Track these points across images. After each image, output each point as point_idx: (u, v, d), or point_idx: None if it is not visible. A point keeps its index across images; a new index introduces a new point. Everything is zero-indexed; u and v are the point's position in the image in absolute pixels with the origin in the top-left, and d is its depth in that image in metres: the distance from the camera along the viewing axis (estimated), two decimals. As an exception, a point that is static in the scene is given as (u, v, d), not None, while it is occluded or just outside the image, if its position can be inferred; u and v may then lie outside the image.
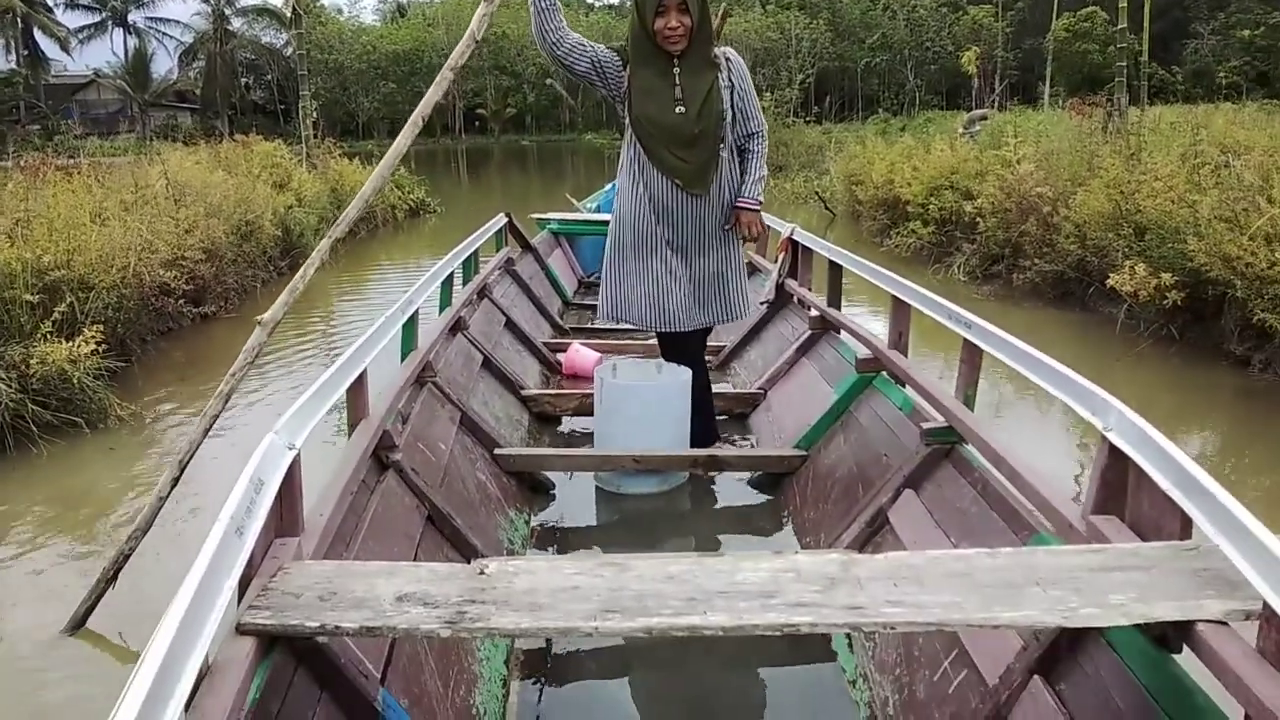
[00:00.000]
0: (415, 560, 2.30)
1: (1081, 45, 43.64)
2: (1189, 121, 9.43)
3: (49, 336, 4.47)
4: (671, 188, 3.14)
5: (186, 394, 5.22)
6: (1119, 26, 12.77)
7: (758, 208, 3.21)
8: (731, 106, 3.11)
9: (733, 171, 3.19)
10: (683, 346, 3.46)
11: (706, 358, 3.75)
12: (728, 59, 3.12)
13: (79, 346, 4.40)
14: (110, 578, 2.46)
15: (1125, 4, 12.10)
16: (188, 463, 2.43)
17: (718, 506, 3.46)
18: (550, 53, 3.06)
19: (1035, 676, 1.75)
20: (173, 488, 2.43)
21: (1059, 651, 1.73)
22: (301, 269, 2.53)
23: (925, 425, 2.66)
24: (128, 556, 2.44)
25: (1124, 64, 11.86)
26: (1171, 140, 7.86)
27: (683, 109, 3.04)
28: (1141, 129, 9.00)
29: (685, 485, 3.51)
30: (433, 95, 2.66)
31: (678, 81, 3.03)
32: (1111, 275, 5.94)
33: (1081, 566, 1.60)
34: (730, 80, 3.11)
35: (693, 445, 3.45)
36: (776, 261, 4.95)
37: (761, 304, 4.88)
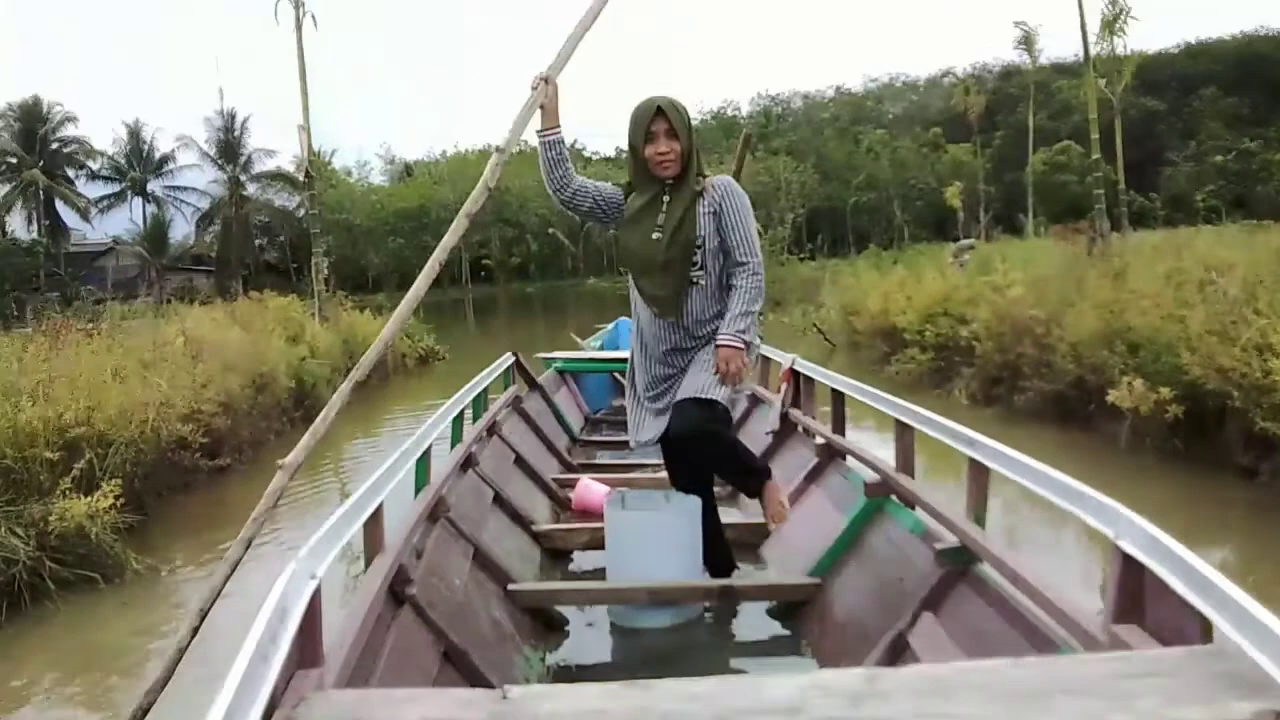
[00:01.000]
0: None
1: (1059, 177, 45.42)
2: (1171, 244, 9.75)
3: (68, 493, 4.52)
4: (650, 315, 3.15)
5: (201, 547, 5.21)
6: (1093, 158, 13.40)
7: (738, 345, 3.00)
8: (718, 233, 3.02)
9: (714, 302, 3.09)
10: (686, 464, 3.40)
11: (715, 489, 3.62)
12: (716, 186, 3.04)
13: (97, 502, 4.45)
14: None
15: (1097, 136, 12.73)
16: (208, 610, 2.43)
17: (735, 638, 3.41)
18: (559, 199, 3.17)
19: None
20: (192, 637, 2.41)
21: None
22: (323, 412, 2.60)
23: (938, 546, 2.67)
24: (146, 710, 2.40)
25: (1101, 192, 12.36)
26: (1155, 262, 8.11)
27: (659, 235, 3.01)
28: (1125, 252, 9.31)
29: (701, 617, 3.47)
30: (450, 240, 2.79)
31: (663, 209, 3.02)
32: (1111, 392, 6.03)
33: (1106, 674, 1.60)
34: (718, 207, 3.02)
35: (709, 573, 3.42)
36: (779, 392, 5.04)
37: (767, 434, 4.94)
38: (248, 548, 2.48)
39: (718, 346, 3.01)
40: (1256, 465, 5.19)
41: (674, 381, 3.18)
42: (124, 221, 49.84)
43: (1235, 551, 4.59)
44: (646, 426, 3.29)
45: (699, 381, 3.07)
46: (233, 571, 2.49)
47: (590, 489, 4.83)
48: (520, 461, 4.98)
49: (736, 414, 3.53)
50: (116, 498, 4.58)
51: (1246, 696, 1.46)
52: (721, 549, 3.54)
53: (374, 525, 2.49)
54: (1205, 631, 1.64)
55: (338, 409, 2.61)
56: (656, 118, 2.97)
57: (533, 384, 6.61)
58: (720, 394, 3.05)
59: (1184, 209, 36.04)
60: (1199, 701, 1.48)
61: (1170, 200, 45.03)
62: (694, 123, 3.08)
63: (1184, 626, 1.68)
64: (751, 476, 3.38)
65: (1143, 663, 1.63)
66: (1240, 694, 1.48)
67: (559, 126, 3.08)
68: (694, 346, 3.13)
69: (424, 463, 3.30)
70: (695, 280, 3.05)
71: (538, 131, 3.06)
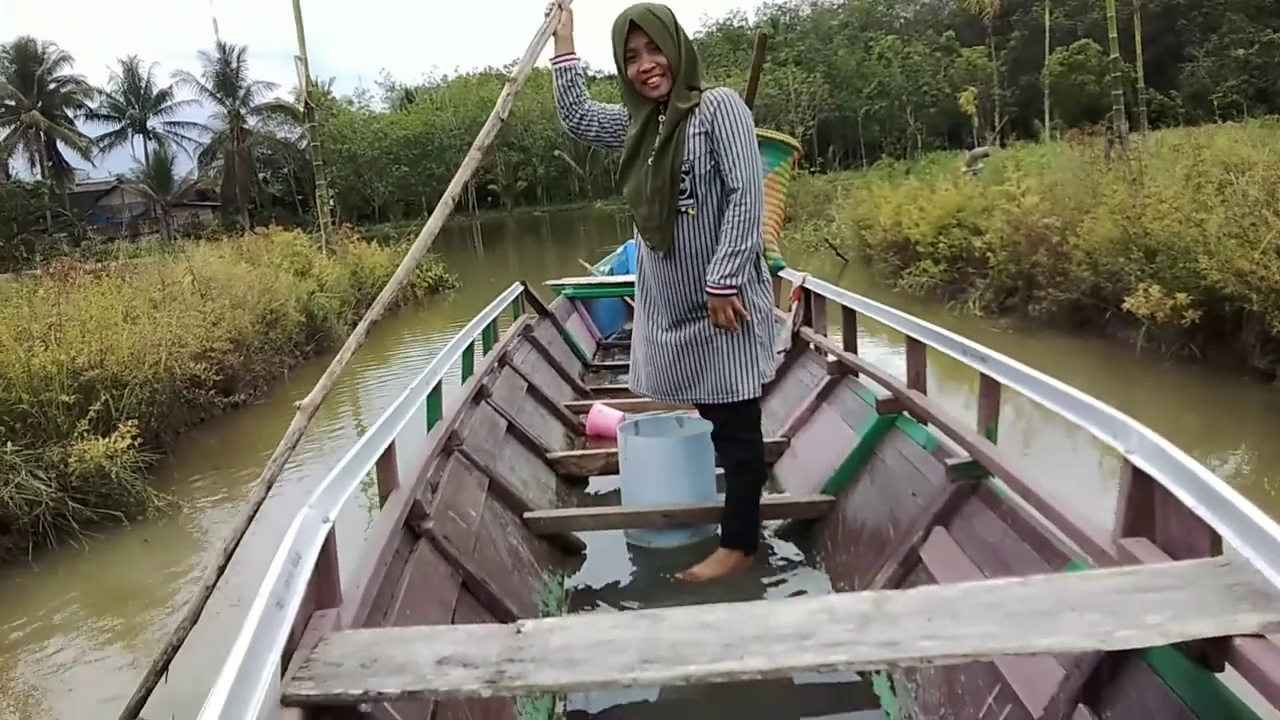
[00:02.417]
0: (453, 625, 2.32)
1: (1077, 77, 44.10)
2: (1191, 143, 9.50)
3: (85, 435, 4.58)
4: (648, 250, 2.84)
5: (221, 482, 5.30)
6: (1111, 56, 12.97)
7: (724, 292, 2.65)
8: (710, 155, 2.66)
9: (709, 236, 2.73)
10: (714, 420, 3.04)
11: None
12: (709, 101, 2.65)
13: (115, 442, 4.51)
14: (160, 669, 2.49)
15: (1115, 35, 12.30)
16: (234, 551, 2.46)
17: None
18: (567, 125, 2.98)
19: (1080, 705, 1.74)
20: (219, 576, 2.45)
21: (1101, 678, 1.72)
22: (339, 354, 2.58)
23: (950, 462, 2.67)
24: (176, 648, 2.46)
25: (1120, 92, 11.99)
26: (1174, 163, 7.91)
27: (651, 160, 2.71)
28: (1143, 153, 9.07)
29: (715, 536, 3.51)
30: (462, 175, 2.73)
31: (659, 131, 2.70)
32: (1127, 299, 5.95)
33: (1114, 589, 1.60)
34: (710, 125, 2.64)
35: (725, 534, 3.12)
36: (790, 311, 5.00)
37: (779, 353, 4.92)
38: (269, 488, 2.51)
39: (707, 293, 2.70)
40: (1273, 369, 5.15)
41: (676, 329, 2.85)
42: (126, 160, 49.57)
43: (1251, 454, 4.59)
44: (643, 378, 2.97)
45: (726, 374, 2.77)
46: (255, 512, 2.51)
47: (603, 414, 4.85)
48: (533, 390, 5.00)
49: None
50: (134, 438, 4.64)
51: (1255, 609, 1.46)
52: (748, 522, 3.14)
53: (387, 463, 2.51)
54: (1214, 544, 1.63)
55: (353, 349, 2.60)
56: (632, 33, 2.64)
57: (543, 312, 6.59)
58: (749, 386, 2.78)
59: (1204, 106, 35.04)
60: (1207, 614, 1.48)
61: (1191, 97, 43.76)
62: (697, 34, 2.85)
63: (1193, 540, 1.68)
64: (740, 530, 3.05)
65: (1151, 576, 1.63)
66: (1248, 606, 1.47)
67: (574, 53, 2.88)
68: (694, 291, 2.78)
69: (435, 397, 3.30)
70: (684, 210, 2.71)
71: (551, 59, 2.88)
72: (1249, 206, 5.38)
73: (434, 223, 2.71)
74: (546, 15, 2.81)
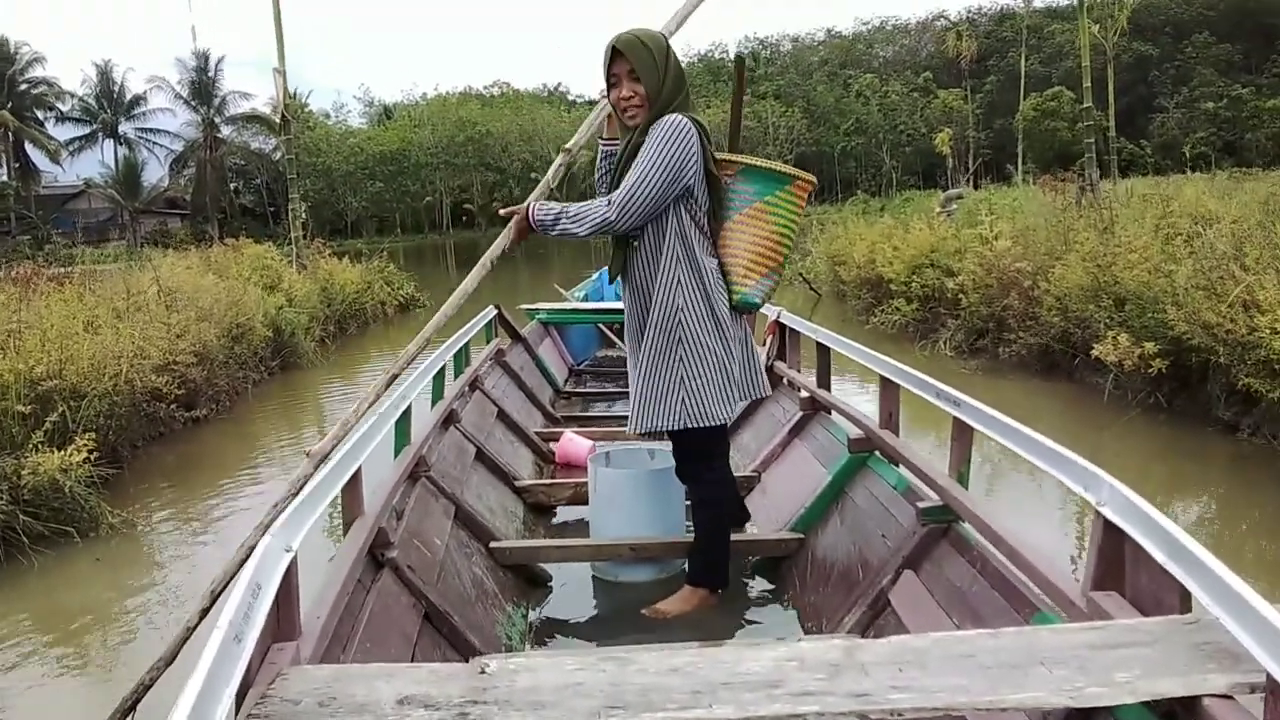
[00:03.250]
0: (413, 660, 2.27)
1: (1050, 124, 45.12)
2: (1160, 193, 9.70)
3: (40, 447, 4.46)
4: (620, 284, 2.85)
5: (178, 499, 5.18)
6: (1084, 105, 13.26)
7: (522, 215, 2.67)
8: None
9: (662, 264, 2.66)
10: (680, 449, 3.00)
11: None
12: (655, 127, 2.57)
13: (71, 455, 4.39)
14: (129, 708, 2.38)
15: (1089, 84, 12.58)
16: (220, 593, 2.35)
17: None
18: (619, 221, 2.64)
19: None
20: (201, 619, 2.35)
21: None
22: (354, 405, 2.56)
23: (921, 505, 2.67)
24: (148, 687, 2.34)
25: (1092, 140, 12.25)
26: (1143, 212, 8.07)
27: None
28: (1113, 202, 9.25)
29: (683, 572, 3.47)
30: (500, 243, 2.77)
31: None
32: (1095, 345, 6.03)
33: (1084, 644, 1.60)
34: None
35: (692, 571, 3.08)
36: (764, 345, 5.01)
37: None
38: (264, 533, 2.39)
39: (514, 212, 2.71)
40: (1238, 420, 5.22)
41: (634, 355, 2.81)
42: (95, 164, 48.97)
43: (1215, 505, 4.64)
44: (634, 418, 2.82)
45: (693, 400, 2.68)
46: (248, 557, 2.39)
47: (574, 442, 4.81)
48: (503, 416, 4.95)
49: None
50: (90, 451, 4.52)
51: (1223, 669, 1.46)
52: (716, 558, 3.11)
53: (353, 489, 2.46)
54: (1184, 601, 1.63)
55: (371, 402, 2.59)
56: (615, 60, 2.60)
57: (516, 336, 6.55)
58: (719, 411, 2.70)
59: (1173, 156, 35.94)
60: (1176, 673, 1.47)
61: (1160, 147, 44.92)
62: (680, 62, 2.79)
63: (1163, 596, 1.68)
64: (706, 567, 3.01)
65: (1120, 632, 1.63)
66: (1217, 666, 1.47)
67: (619, 139, 2.80)
68: (646, 320, 2.73)
69: (404, 422, 3.26)
70: (631, 241, 2.69)
71: (602, 138, 2.87)
72: (1217, 260, 5.48)
73: (469, 283, 2.79)
74: (601, 97, 2.81)
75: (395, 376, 2.65)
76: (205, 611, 2.32)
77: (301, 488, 2.19)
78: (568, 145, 2.89)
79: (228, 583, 2.32)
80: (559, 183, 2.96)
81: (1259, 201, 7.76)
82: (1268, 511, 4.34)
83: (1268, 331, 4.68)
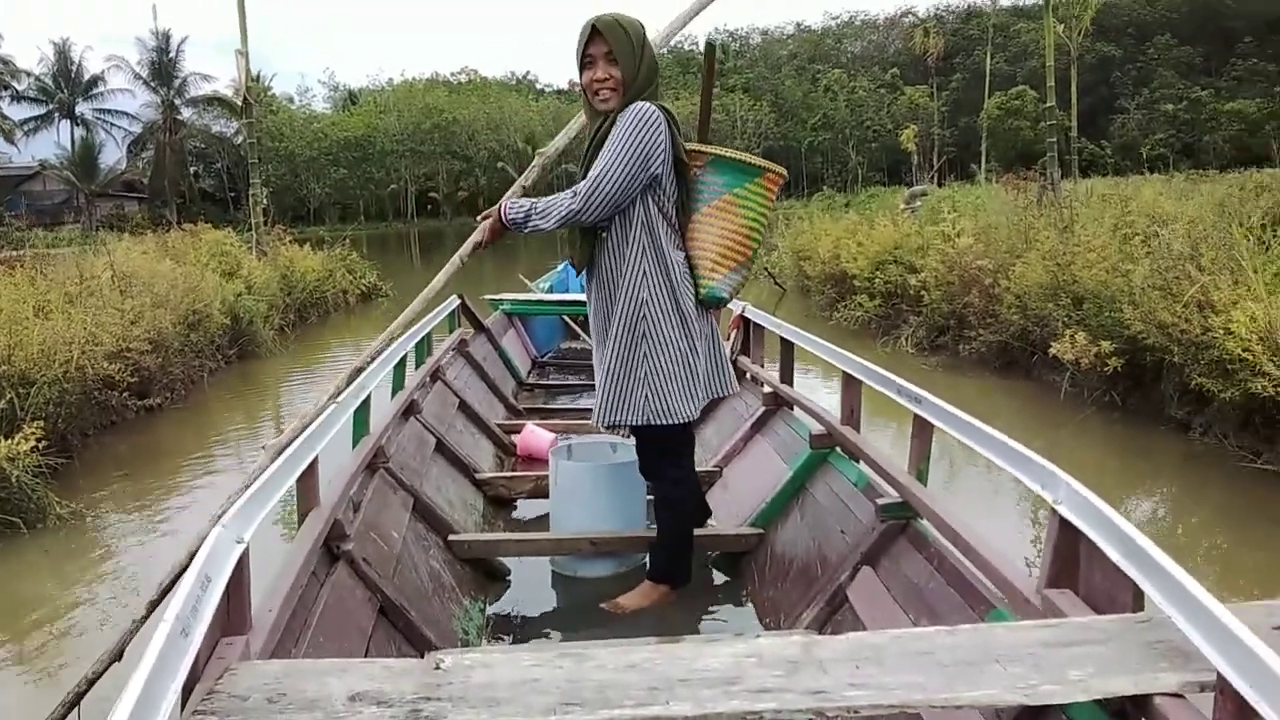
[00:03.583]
0: (367, 655, 2.24)
1: (1013, 122, 45.73)
2: (1119, 193, 9.86)
3: (-15, 434, 4.33)
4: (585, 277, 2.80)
5: (130, 490, 5.06)
6: (1047, 104, 13.44)
7: (495, 217, 2.64)
8: None
9: (628, 256, 2.62)
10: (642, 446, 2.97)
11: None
12: (623, 115, 2.52)
13: (18, 444, 4.27)
14: (73, 703, 2.31)
15: (1053, 83, 12.74)
16: (169, 587, 2.28)
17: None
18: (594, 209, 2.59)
19: None
20: (149, 612, 2.28)
21: None
22: (320, 405, 2.57)
23: (880, 501, 2.68)
24: (93, 682, 2.27)
25: (1054, 140, 12.42)
26: (1103, 212, 8.19)
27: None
28: (1074, 201, 9.38)
29: (642, 566, 3.46)
30: (473, 241, 2.77)
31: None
32: (1053, 344, 6.11)
33: (1039, 642, 1.61)
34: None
35: (653, 567, 3.09)
36: (728, 340, 5.01)
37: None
38: (216, 523, 2.34)
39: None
40: (1190, 419, 5.32)
41: (600, 350, 2.77)
42: (51, 145, 47.81)
43: (1166, 503, 4.73)
44: (598, 411, 2.78)
45: (657, 399, 2.65)
46: (197, 549, 2.33)
47: (535, 434, 4.77)
48: (464, 407, 4.90)
49: None
50: (38, 440, 4.40)
51: (1174, 668, 1.48)
52: (675, 554, 3.09)
53: (308, 480, 2.41)
54: (1137, 600, 1.65)
55: (332, 396, 2.59)
56: (593, 39, 2.54)
57: (479, 327, 6.49)
58: (683, 409, 2.65)
59: (1133, 157, 36.63)
60: (1128, 671, 1.49)
61: (1121, 148, 45.75)
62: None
63: (1116, 594, 1.69)
64: (667, 563, 2.99)
65: (1074, 630, 1.64)
66: (1168, 665, 1.49)
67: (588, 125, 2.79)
68: (613, 313, 2.69)
69: (363, 412, 3.20)
70: (599, 232, 2.65)
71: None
72: (1173, 260, 5.58)
73: (439, 280, 2.79)
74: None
75: (360, 370, 2.61)
76: (154, 605, 2.26)
77: (256, 479, 2.15)
78: (544, 150, 2.86)
79: (177, 576, 2.27)
80: (532, 184, 2.92)
81: (1214, 204, 7.92)
82: (1217, 509, 4.43)
83: (1221, 332, 4.77)
